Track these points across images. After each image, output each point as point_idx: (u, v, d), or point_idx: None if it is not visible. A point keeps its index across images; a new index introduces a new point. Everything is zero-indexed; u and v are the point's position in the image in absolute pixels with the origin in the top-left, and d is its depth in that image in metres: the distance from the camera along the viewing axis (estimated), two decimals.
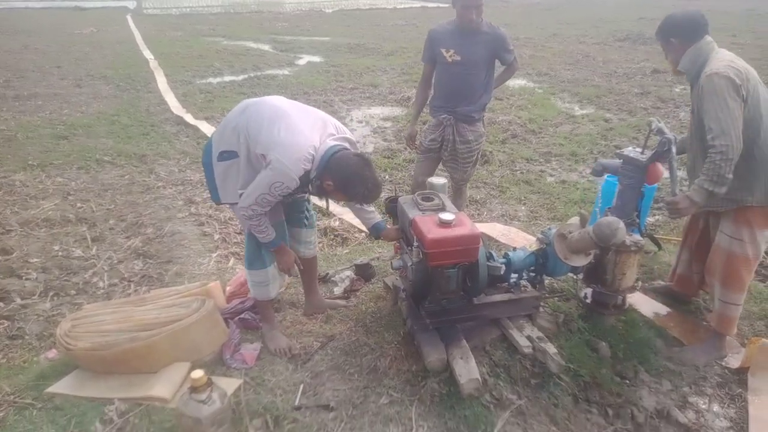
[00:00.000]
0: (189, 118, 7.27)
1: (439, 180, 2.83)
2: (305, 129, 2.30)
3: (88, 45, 13.73)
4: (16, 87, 9.00)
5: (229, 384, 2.37)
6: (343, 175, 2.27)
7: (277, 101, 2.43)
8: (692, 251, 2.92)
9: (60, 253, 3.78)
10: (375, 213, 2.74)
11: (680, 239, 3.12)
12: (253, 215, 2.32)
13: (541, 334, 2.57)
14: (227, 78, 10.19)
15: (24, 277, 3.47)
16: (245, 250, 2.62)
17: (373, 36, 16.36)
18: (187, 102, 8.24)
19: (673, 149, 2.57)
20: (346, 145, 2.38)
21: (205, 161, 2.49)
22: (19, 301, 3.22)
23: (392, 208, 2.75)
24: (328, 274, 3.39)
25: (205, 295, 2.69)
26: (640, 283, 3.08)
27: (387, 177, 5.41)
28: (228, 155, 2.38)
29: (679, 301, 3.13)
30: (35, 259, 3.67)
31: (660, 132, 2.59)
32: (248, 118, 2.33)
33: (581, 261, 2.52)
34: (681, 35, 2.50)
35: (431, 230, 2.25)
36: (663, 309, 3.07)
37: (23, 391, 2.38)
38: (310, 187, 2.40)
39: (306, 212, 2.82)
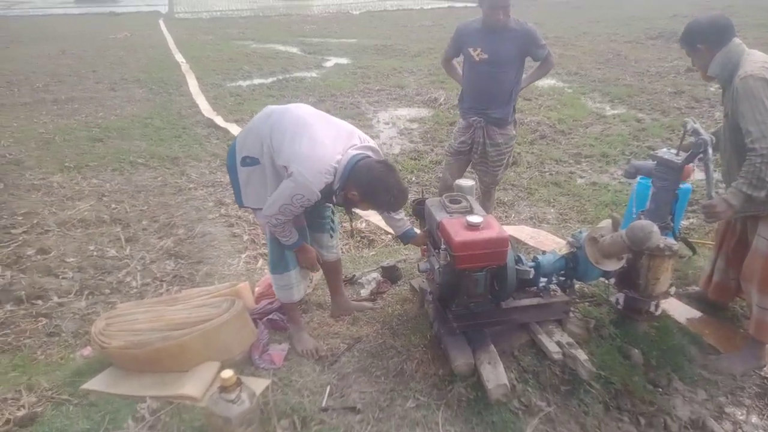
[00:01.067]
0: (219, 120, 7.39)
1: (467, 182, 2.81)
2: (328, 141, 2.29)
3: (123, 49, 14.08)
4: (54, 91, 9.30)
5: (258, 384, 2.40)
6: (367, 183, 2.26)
7: (302, 111, 2.42)
8: (728, 257, 2.83)
9: (95, 253, 3.89)
10: (404, 220, 2.73)
11: (715, 244, 3.03)
12: (277, 224, 2.35)
13: (571, 340, 2.52)
14: (256, 81, 10.33)
15: (61, 276, 3.58)
16: (269, 254, 2.64)
17: (400, 37, 16.35)
18: (217, 105, 8.37)
19: (710, 150, 2.50)
20: (369, 153, 2.37)
21: (229, 164, 2.52)
22: (56, 299, 3.32)
23: (419, 210, 2.74)
24: (354, 276, 3.40)
25: (235, 296, 2.73)
26: (674, 288, 3.00)
27: (413, 179, 5.40)
28: (251, 161, 2.41)
29: (715, 308, 3.04)
30: (71, 259, 3.79)
31: (695, 133, 2.52)
32: (271, 127, 2.34)
33: (613, 265, 2.47)
34: (708, 40, 2.45)
35: (459, 233, 2.23)
36: (698, 315, 2.99)
37: (60, 387, 2.46)
38: (334, 198, 2.40)
39: (328, 217, 2.82)
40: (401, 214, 2.71)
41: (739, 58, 2.38)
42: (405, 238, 2.73)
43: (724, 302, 3.01)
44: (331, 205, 2.67)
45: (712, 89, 8.73)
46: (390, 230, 4.10)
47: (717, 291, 2.96)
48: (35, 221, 4.34)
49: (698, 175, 5.11)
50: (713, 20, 2.47)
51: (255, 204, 2.49)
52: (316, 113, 2.45)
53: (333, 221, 2.85)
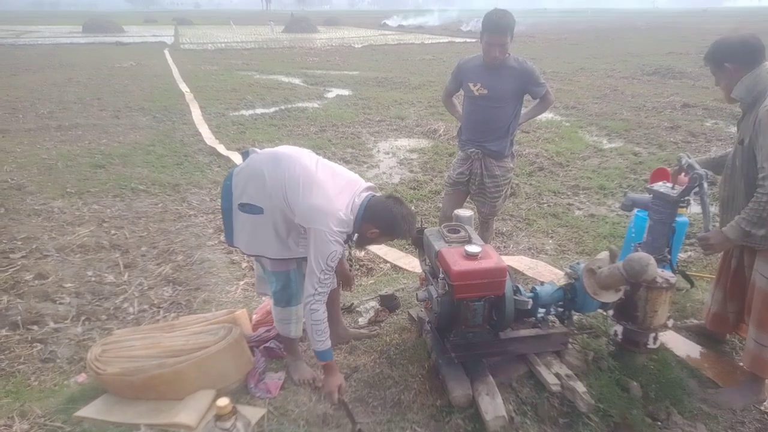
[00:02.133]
0: (221, 149, 7.47)
1: (465, 212, 2.84)
2: (338, 194, 2.29)
3: (128, 78, 14.33)
4: (58, 118, 9.42)
5: (254, 413, 2.37)
6: (385, 219, 2.30)
7: (306, 161, 2.37)
8: (726, 290, 2.82)
9: (93, 279, 3.89)
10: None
11: (713, 276, 3.02)
12: (320, 307, 2.28)
13: (569, 372, 2.51)
14: (259, 110, 10.47)
15: (58, 302, 3.57)
16: (273, 286, 2.55)
17: (401, 70, 16.67)
18: (220, 133, 8.47)
19: (705, 185, 2.52)
20: (373, 192, 2.41)
21: (224, 207, 2.46)
22: (52, 324, 3.31)
23: (418, 240, 2.76)
24: (353, 304, 3.40)
25: (232, 323, 2.72)
26: (672, 321, 2.99)
27: (413, 208, 5.41)
28: (251, 209, 2.35)
29: (714, 341, 3.03)
30: (69, 284, 3.79)
31: (690, 168, 2.56)
32: (282, 180, 2.28)
33: (611, 297, 2.47)
34: (737, 60, 2.36)
35: (457, 262, 2.25)
36: (697, 348, 2.98)
37: (53, 414, 2.43)
38: (349, 243, 2.41)
39: None
40: None
41: (766, 85, 2.31)
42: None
43: (722, 334, 2.99)
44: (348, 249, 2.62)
45: (708, 124, 8.88)
46: (387, 257, 4.12)
47: (714, 322, 2.93)
48: (34, 246, 4.35)
49: (695, 208, 5.18)
50: (744, 40, 2.36)
51: (254, 251, 2.45)
52: (318, 163, 2.40)
53: None
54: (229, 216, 2.46)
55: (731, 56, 2.38)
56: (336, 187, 2.31)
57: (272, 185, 2.29)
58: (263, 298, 3.12)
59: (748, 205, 2.27)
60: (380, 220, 2.30)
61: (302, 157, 2.39)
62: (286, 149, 2.45)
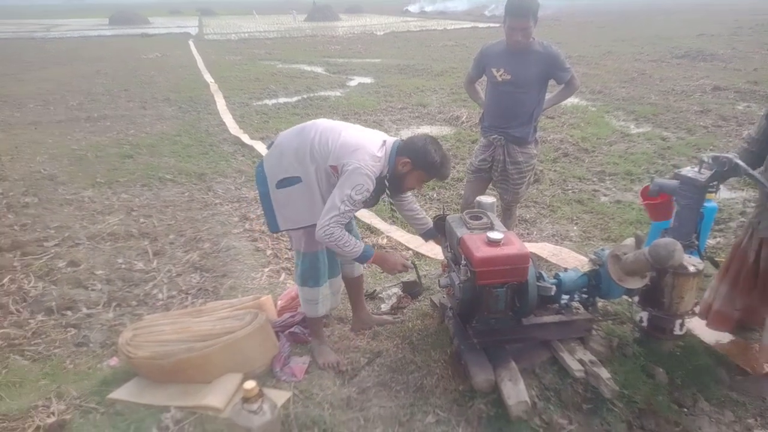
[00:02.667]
0: (245, 138, 7.55)
1: (487, 199, 2.82)
2: (368, 133, 2.43)
3: (154, 69, 14.53)
4: (87, 109, 9.63)
5: (279, 396, 2.43)
6: (416, 149, 2.37)
7: (329, 121, 2.51)
8: (734, 283, 2.72)
9: (123, 266, 3.99)
10: (426, 218, 2.83)
11: (721, 269, 2.90)
12: (335, 230, 2.28)
13: (593, 358, 2.49)
14: (282, 100, 10.53)
15: (90, 288, 3.68)
16: (299, 267, 2.61)
17: (423, 57, 16.53)
18: (244, 123, 8.56)
19: (741, 163, 2.45)
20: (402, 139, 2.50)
21: (262, 191, 2.49)
22: (85, 310, 3.41)
23: (440, 227, 2.76)
24: (375, 290, 3.43)
25: (258, 309, 2.77)
26: (699, 307, 2.94)
27: (435, 195, 5.43)
28: (288, 182, 2.40)
29: (743, 328, 2.96)
30: (100, 271, 3.90)
31: (715, 159, 2.51)
32: (310, 138, 2.37)
33: (636, 283, 2.44)
34: None
35: (479, 248, 2.25)
36: (725, 335, 2.91)
37: (88, 395, 2.52)
38: (386, 182, 2.44)
39: (354, 233, 2.85)
40: (423, 213, 2.83)
41: None
42: (427, 235, 2.83)
43: (726, 331, 2.87)
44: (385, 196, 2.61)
45: (739, 107, 8.62)
46: (410, 245, 4.13)
47: (716, 320, 2.82)
48: (67, 234, 4.48)
49: (725, 194, 5.05)
50: None
51: (295, 223, 2.47)
52: (342, 122, 2.54)
53: (357, 237, 2.89)
54: (268, 200, 2.48)
55: None
56: (365, 131, 2.45)
57: (303, 149, 2.36)
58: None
59: None
60: (412, 150, 2.37)
61: (324, 119, 2.52)
62: (311, 121, 2.54)
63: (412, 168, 2.40)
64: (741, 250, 2.71)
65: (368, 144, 2.34)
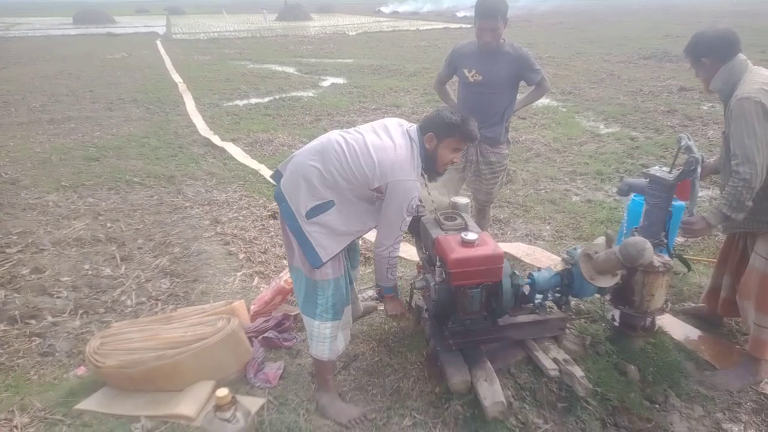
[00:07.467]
0: (216, 139, 7.42)
1: (462, 200, 2.83)
2: (391, 136, 2.28)
3: (120, 69, 14.19)
4: (51, 111, 9.34)
5: (253, 403, 2.38)
6: (433, 118, 2.32)
7: (344, 134, 2.33)
8: (733, 274, 2.80)
9: (90, 272, 3.87)
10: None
11: (711, 260, 3.03)
12: (396, 249, 2.32)
13: (567, 357, 2.52)
14: (253, 100, 10.40)
15: (55, 296, 3.56)
16: (326, 299, 2.32)
17: (396, 57, 16.56)
18: (214, 124, 8.42)
19: (698, 169, 2.52)
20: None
21: (292, 226, 2.25)
22: (50, 318, 3.30)
23: (415, 228, 2.75)
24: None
25: (230, 314, 2.72)
26: (669, 304, 3.01)
27: None
28: (319, 208, 2.21)
29: (711, 324, 3.05)
30: (66, 278, 3.77)
31: (688, 150, 2.55)
32: (335, 159, 2.21)
33: (608, 282, 2.47)
34: (712, 54, 2.41)
35: (454, 249, 2.25)
36: (694, 332, 2.99)
37: (53, 407, 2.44)
38: (424, 179, 2.41)
39: (357, 250, 2.85)
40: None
41: (740, 76, 2.35)
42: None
43: (737, 317, 2.95)
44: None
45: (704, 107, 8.86)
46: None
47: (726, 307, 2.89)
48: (30, 240, 4.33)
49: (701, 192, 5.18)
50: (720, 34, 2.41)
51: (334, 251, 2.26)
52: (354, 131, 2.36)
53: (357, 250, 2.88)
54: (302, 236, 2.23)
55: (707, 50, 2.44)
56: (386, 136, 2.28)
57: (330, 172, 2.20)
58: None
59: (725, 190, 2.30)
60: (431, 121, 2.32)
61: (338, 134, 2.33)
62: (316, 141, 2.35)
63: (438, 140, 2.30)
64: (732, 240, 2.80)
65: (400, 150, 2.21)
